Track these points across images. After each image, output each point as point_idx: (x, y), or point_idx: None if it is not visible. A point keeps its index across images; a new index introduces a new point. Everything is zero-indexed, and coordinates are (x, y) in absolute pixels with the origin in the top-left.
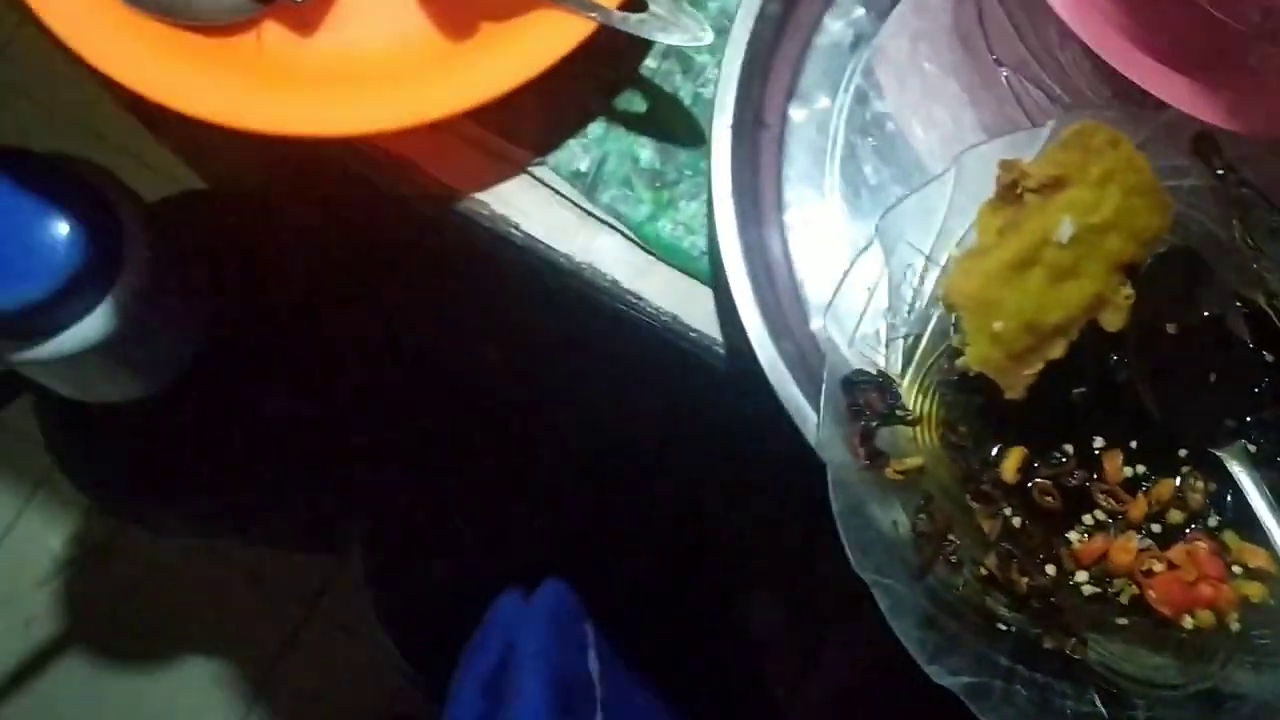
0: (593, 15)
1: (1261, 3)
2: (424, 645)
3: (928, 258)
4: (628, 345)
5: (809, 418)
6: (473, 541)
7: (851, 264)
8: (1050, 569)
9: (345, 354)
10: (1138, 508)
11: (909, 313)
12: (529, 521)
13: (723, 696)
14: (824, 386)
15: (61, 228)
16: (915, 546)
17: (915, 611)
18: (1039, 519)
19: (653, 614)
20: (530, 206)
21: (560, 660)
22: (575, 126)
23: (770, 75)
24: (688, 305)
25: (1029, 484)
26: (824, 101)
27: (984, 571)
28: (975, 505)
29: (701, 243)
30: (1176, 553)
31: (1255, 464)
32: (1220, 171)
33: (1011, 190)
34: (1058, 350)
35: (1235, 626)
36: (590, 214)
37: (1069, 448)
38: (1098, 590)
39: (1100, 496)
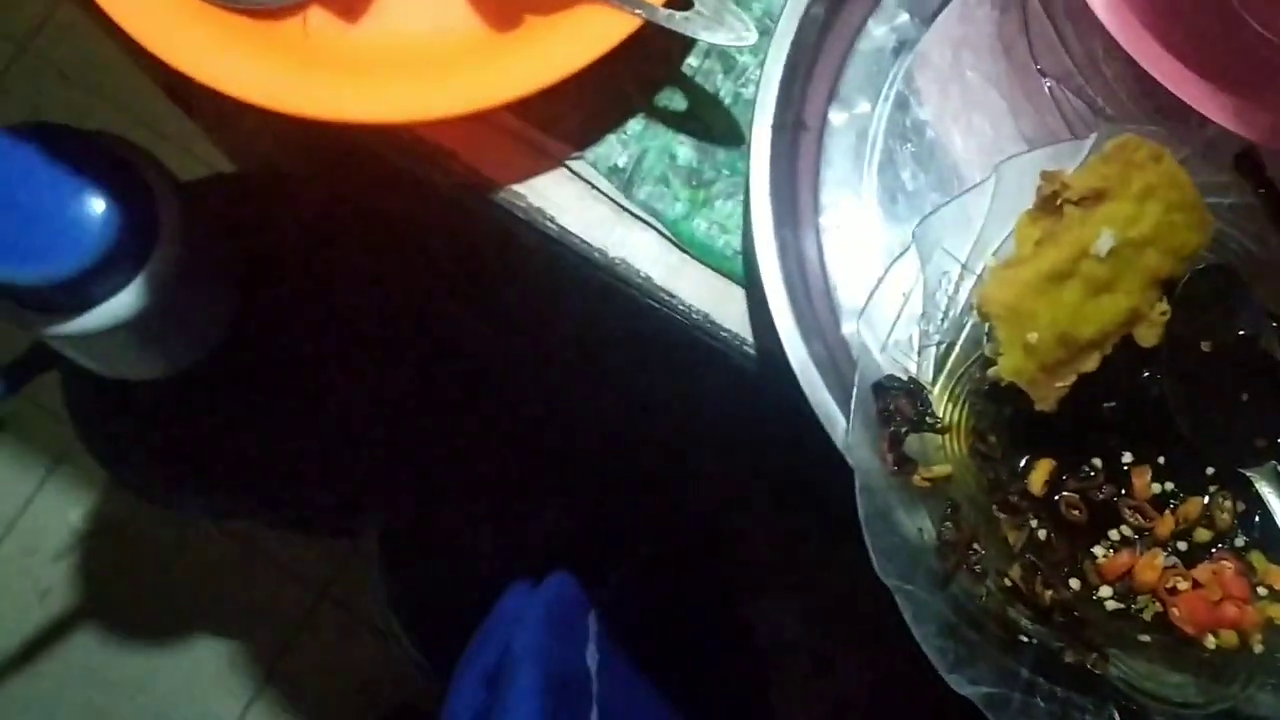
0: (638, 12)
1: None
2: (433, 634)
3: (964, 266)
4: (655, 343)
5: (838, 422)
6: (487, 533)
7: (887, 269)
8: (1074, 583)
9: (368, 342)
10: (1165, 525)
11: (943, 320)
12: (544, 515)
13: (727, 697)
14: (855, 390)
15: (97, 205)
16: (940, 554)
17: (937, 620)
18: (1065, 532)
19: (662, 612)
20: (566, 200)
21: (557, 655)
22: (615, 122)
23: (812, 78)
24: (720, 304)
25: (1056, 497)
26: (864, 106)
27: (1008, 582)
28: (1001, 516)
29: (736, 242)
30: (1202, 572)
31: None
32: (1262, 190)
33: (1051, 201)
34: (1091, 364)
35: (1259, 648)
36: (626, 210)
37: (1097, 462)
38: (1121, 606)
39: (1127, 512)
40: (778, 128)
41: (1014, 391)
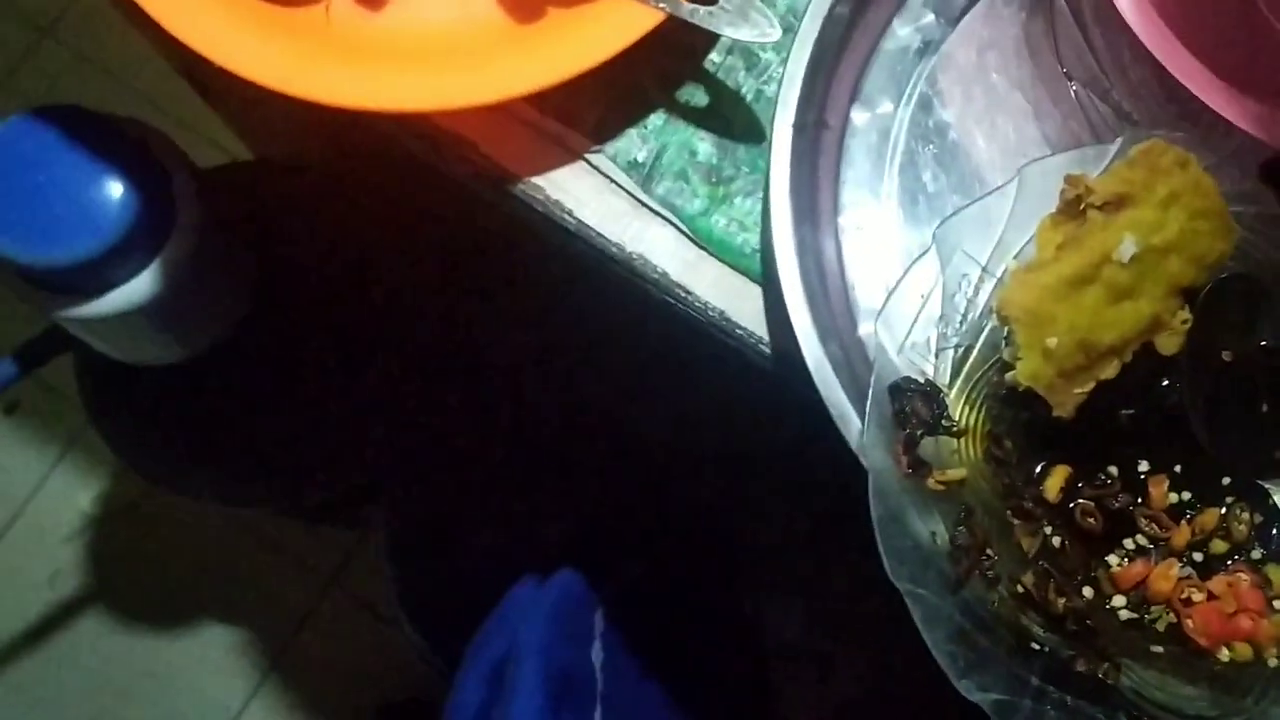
0: (661, 6)
1: None
2: (440, 627)
3: (984, 269)
4: (668, 339)
5: (852, 423)
6: (497, 528)
7: (906, 270)
8: (1088, 591)
9: (382, 332)
10: (1181, 535)
11: (961, 323)
12: (554, 510)
13: (730, 699)
14: (871, 390)
15: (115, 188)
16: (952, 559)
17: (948, 625)
18: (1079, 540)
19: (669, 610)
20: (585, 194)
21: (561, 653)
22: (635, 116)
23: (835, 76)
24: (736, 302)
25: (1071, 504)
26: (887, 106)
27: (1020, 589)
28: (1016, 522)
29: (754, 240)
30: (1217, 583)
31: None
32: None
33: (1075, 205)
34: (1110, 370)
35: (1273, 662)
36: (644, 205)
37: (1114, 470)
38: (1134, 616)
39: (1143, 521)
40: (799, 126)
41: (1031, 397)
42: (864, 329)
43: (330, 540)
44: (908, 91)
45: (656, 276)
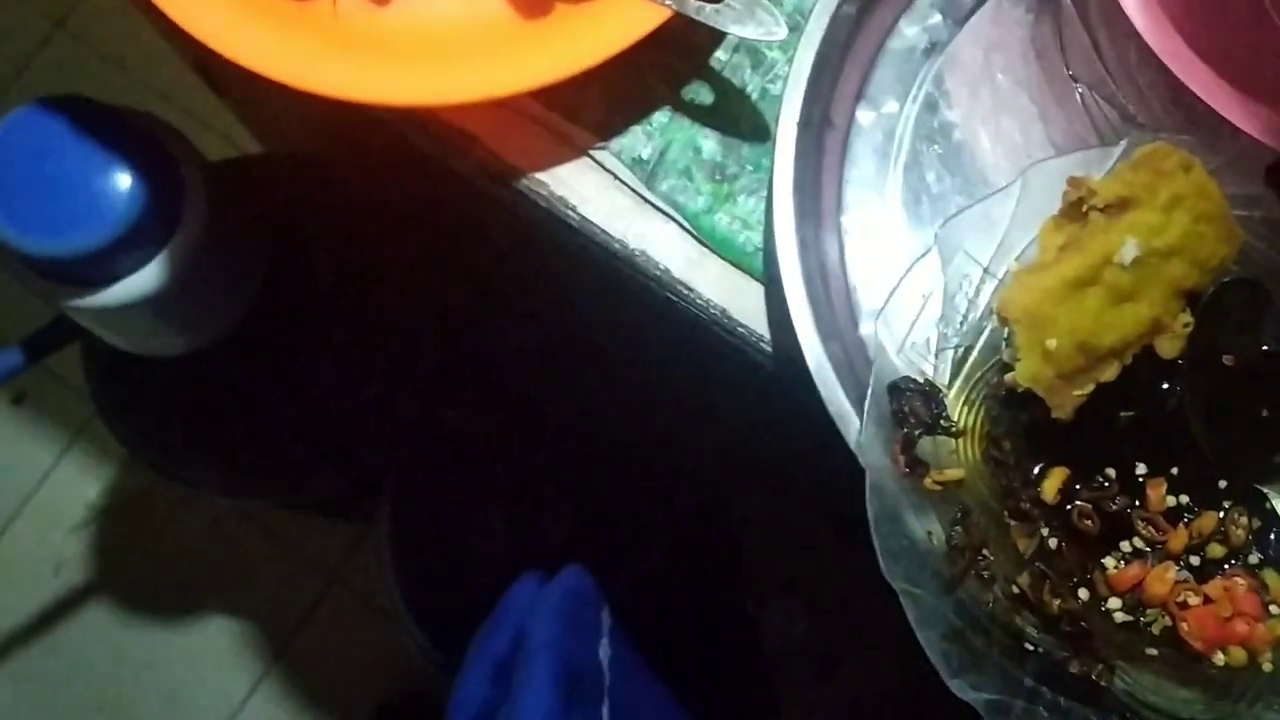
0: (668, 3)
1: None
2: (443, 622)
3: (985, 270)
4: (670, 337)
5: (851, 423)
6: (499, 523)
7: (907, 270)
8: (1083, 593)
9: (387, 327)
10: (1178, 539)
11: (962, 324)
12: (557, 506)
13: (734, 696)
14: (870, 389)
15: (123, 179)
16: (948, 559)
17: (942, 624)
18: (1076, 542)
19: (673, 608)
20: (589, 190)
21: (570, 649)
22: (640, 113)
23: (841, 76)
24: (738, 300)
25: (1069, 506)
26: (892, 106)
27: (1016, 590)
28: (1012, 522)
29: (757, 239)
30: (1214, 587)
31: None
32: None
33: (1077, 207)
34: (1110, 373)
35: (1268, 667)
36: (647, 201)
37: (1112, 472)
38: (1130, 619)
39: (1140, 524)
40: (804, 125)
41: (1031, 398)
42: (865, 329)
43: (334, 534)
44: (913, 91)
45: (658, 273)
